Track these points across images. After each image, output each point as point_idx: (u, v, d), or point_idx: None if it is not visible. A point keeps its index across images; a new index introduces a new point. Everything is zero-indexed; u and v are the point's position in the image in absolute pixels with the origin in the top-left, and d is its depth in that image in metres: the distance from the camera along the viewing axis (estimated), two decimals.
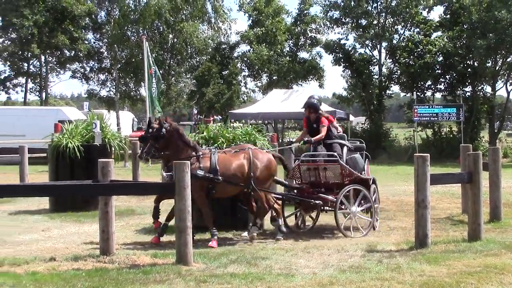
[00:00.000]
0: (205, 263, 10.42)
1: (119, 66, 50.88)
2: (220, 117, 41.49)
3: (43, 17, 50.07)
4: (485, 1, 39.04)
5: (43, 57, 53.78)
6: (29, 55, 52.95)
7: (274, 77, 47.35)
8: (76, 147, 17.35)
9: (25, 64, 54.63)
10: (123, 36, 48.70)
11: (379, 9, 44.66)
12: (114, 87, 52.25)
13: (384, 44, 44.51)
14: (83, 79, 54.34)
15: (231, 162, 12.51)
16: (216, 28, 49.85)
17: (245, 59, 48.80)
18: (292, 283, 9.16)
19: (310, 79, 48.50)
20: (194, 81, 49.61)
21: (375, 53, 45.00)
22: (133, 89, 52.31)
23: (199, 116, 48.94)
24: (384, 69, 44.82)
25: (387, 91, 45.20)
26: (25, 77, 54.97)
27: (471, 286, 8.87)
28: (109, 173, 11.04)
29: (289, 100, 38.82)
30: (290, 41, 48.25)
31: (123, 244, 12.28)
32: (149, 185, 12.05)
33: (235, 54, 49.94)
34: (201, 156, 12.37)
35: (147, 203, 18.45)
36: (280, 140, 35.55)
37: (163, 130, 12.35)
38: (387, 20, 44.58)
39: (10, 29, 52.03)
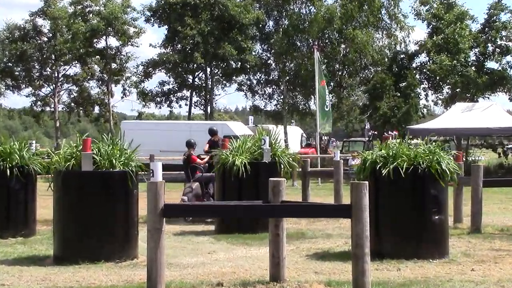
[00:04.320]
0: None
1: (287, 78, 51.29)
2: (395, 133, 41.02)
3: (209, 26, 51.24)
4: None
5: (208, 69, 55.12)
6: (194, 67, 54.30)
7: (457, 89, 46.27)
8: (244, 165, 17.56)
9: (190, 77, 56.13)
10: (292, 46, 49.04)
11: None
12: (281, 100, 52.77)
13: None
14: (249, 92, 55.21)
15: None
16: (392, 37, 49.31)
17: (424, 70, 48.01)
18: None
19: (498, 91, 47.07)
20: (367, 94, 49.30)
21: None
22: (302, 103, 52.66)
23: (372, 131, 48.56)
24: None
25: None
26: (189, 90, 56.48)
27: None
28: (280, 193, 11.06)
29: (473, 115, 37.85)
30: (476, 50, 46.96)
31: (294, 270, 12.27)
32: (323, 207, 11.96)
33: (414, 65, 49.17)
34: None
35: (318, 225, 18.45)
36: (464, 159, 34.54)
37: None
38: None
39: (175, 39, 53.64)
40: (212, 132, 22.85)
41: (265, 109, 54.90)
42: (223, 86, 57.72)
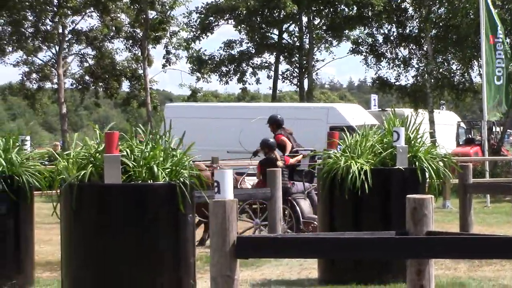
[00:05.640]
0: None
1: (435, 32, 51.11)
2: None
3: None
4: None
5: (304, 19, 55.29)
6: (281, 15, 54.50)
7: None
8: (364, 173, 17.55)
9: (275, 32, 56.35)
10: None
11: None
12: (424, 69, 52.57)
13: None
14: (372, 56, 55.09)
15: None
16: None
17: None
18: None
19: None
20: None
21: None
22: (458, 72, 52.41)
23: None
24: None
25: None
26: (274, 53, 56.68)
27: None
28: (426, 219, 11.05)
29: None
30: None
31: None
32: (495, 242, 11.90)
33: None
34: None
35: (487, 271, 18.37)
36: None
37: None
38: None
39: None
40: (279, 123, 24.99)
41: (397, 83, 54.78)
42: (328, 46, 57.79)
